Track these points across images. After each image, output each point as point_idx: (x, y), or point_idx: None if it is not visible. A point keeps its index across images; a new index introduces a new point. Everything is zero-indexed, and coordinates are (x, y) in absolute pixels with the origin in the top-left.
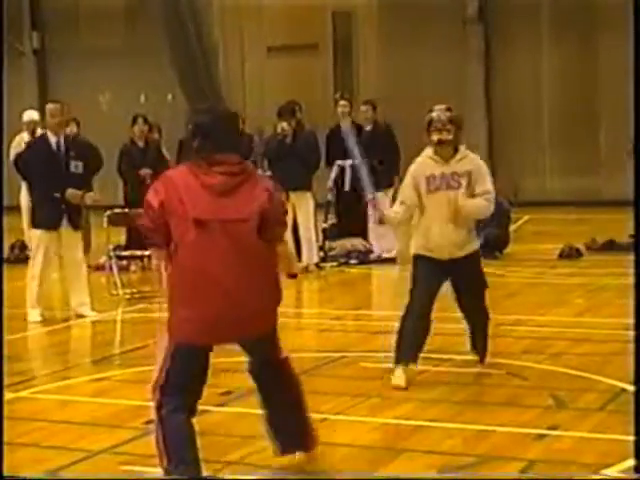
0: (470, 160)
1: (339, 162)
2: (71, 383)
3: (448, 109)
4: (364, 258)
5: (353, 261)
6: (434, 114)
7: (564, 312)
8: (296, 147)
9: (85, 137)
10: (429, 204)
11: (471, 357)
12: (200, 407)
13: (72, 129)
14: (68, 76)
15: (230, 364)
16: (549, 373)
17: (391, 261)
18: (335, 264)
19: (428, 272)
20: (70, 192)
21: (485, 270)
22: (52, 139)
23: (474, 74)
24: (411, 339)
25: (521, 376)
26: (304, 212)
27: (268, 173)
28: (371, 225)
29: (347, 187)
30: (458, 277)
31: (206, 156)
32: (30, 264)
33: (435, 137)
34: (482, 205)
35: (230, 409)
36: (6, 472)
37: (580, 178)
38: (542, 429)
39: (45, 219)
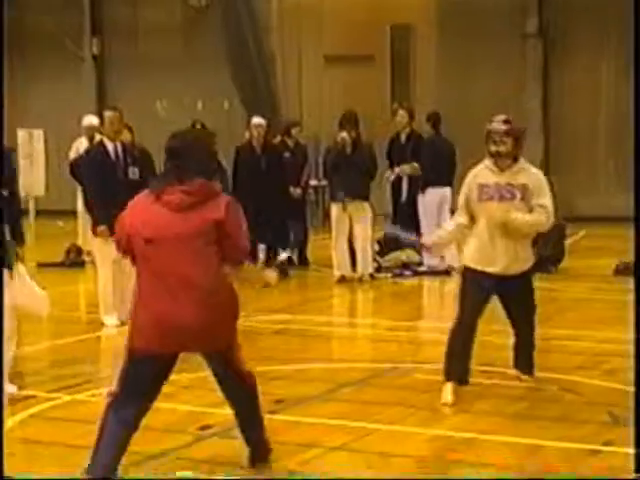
0: (528, 173)
1: (397, 170)
2: None
3: (506, 121)
4: (418, 270)
5: (407, 272)
6: (492, 125)
7: (620, 328)
8: (355, 157)
9: (140, 143)
10: (481, 214)
11: None
12: None
13: (125, 136)
14: (126, 82)
15: (283, 372)
16: (603, 389)
17: (444, 273)
18: (389, 275)
19: (477, 285)
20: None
21: (539, 285)
22: (109, 146)
23: (532, 90)
24: (463, 355)
25: (575, 391)
26: (361, 222)
27: (325, 182)
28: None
29: (404, 198)
30: (507, 295)
31: (172, 178)
32: (100, 272)
33: (492, 148)
34: (534, 219)
35: (283, 417)
36: (65, 474)
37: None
38: (596, 445)
39: (109, 227)
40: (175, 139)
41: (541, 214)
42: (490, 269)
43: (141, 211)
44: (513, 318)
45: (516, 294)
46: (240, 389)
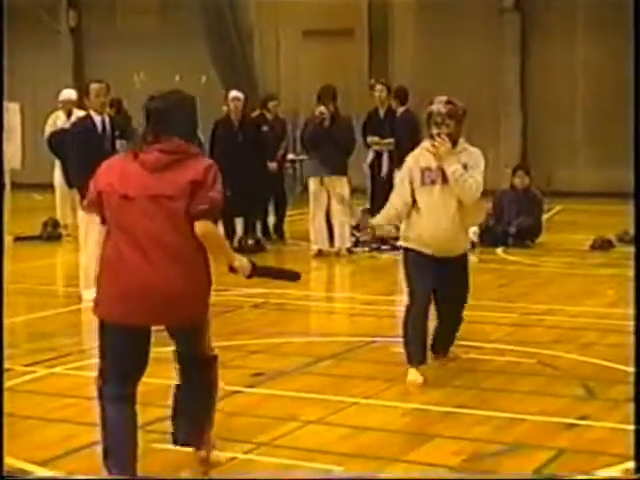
0: (468, 153)
1: (375, 147)
2: None
3: (448, 102)
4: (395, 244)
5: (384, 247)
6: (434, 107)
7: (595, 303)
8: (333, 132)
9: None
10: (423, 197)
11: (501, 345)
12: (231, 388)
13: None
14: (104, 55)
15: (261, 346)
16: (579, 363)
17: None
18: (366, 249)
19: (422, 266)
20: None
21: (517, 259)
22: (96, 119)
23: (509, 65)
24: (421, 338)
25: (551, 365)
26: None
27: (302, 157)
28: None
29: (383, 172)
30: (444, 277)
31: (150, 138)
32: (83, 245)
33: (434, 131)
34: (468, 182)
35: (260, 390)
36: (39, 447)
37: (614, 169)
38: (572, 419)
39: None
40: (156, 100)
41: (472, 183)
42: (431, 251)
43: (117, 169)
44: (442, 299)
45: (452, 274)
46: (203, 375)
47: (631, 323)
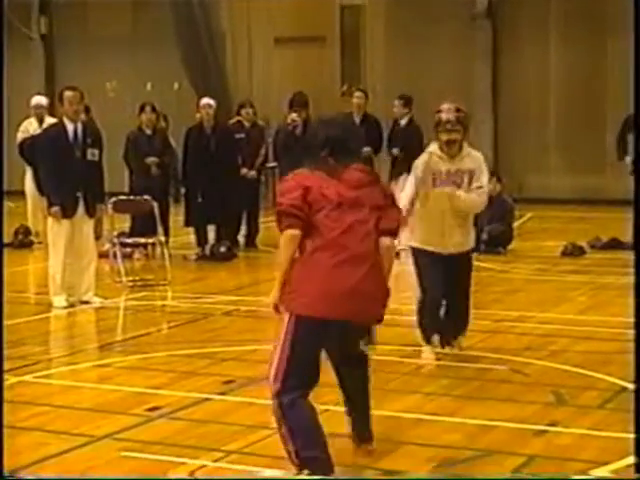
0: (473, 158)
1: None
2: (74, 368)
3: (457, 110)
4: None
5: None
6: (442, 115)
7: (566, 309)
8: (305, 139)
9: (92, 120)
10: (433, 200)
11: (474, 352)
12: (202, 395)
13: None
14: (75, 62)
15: (232, 353)
16: (550, 370)
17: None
18: None
19: (432, 263)
20: None
21: (488, 266)
22: (69, 127)
23: (481, 71)
24: (436, 321)
25: (523, 372)
26: None
27: (273, 164)
28: None
29: None
30: (452, 273)
31: (337, 163)
32: (51, 252)
33: (444, 137)
34: (474, 199)
35: (232, 398)
36: (8, 455)
37: (585, 176)
38: (542, 425)
39: (62, 208)
40: (335, 128)
41: (480, 195)
42: (441, 251)
43: (320, 185)
44: (449, 301)
45: (457, 268)
46: (365, 369)
47: (601, 330)
